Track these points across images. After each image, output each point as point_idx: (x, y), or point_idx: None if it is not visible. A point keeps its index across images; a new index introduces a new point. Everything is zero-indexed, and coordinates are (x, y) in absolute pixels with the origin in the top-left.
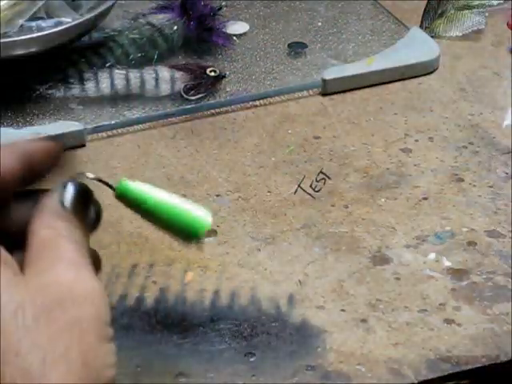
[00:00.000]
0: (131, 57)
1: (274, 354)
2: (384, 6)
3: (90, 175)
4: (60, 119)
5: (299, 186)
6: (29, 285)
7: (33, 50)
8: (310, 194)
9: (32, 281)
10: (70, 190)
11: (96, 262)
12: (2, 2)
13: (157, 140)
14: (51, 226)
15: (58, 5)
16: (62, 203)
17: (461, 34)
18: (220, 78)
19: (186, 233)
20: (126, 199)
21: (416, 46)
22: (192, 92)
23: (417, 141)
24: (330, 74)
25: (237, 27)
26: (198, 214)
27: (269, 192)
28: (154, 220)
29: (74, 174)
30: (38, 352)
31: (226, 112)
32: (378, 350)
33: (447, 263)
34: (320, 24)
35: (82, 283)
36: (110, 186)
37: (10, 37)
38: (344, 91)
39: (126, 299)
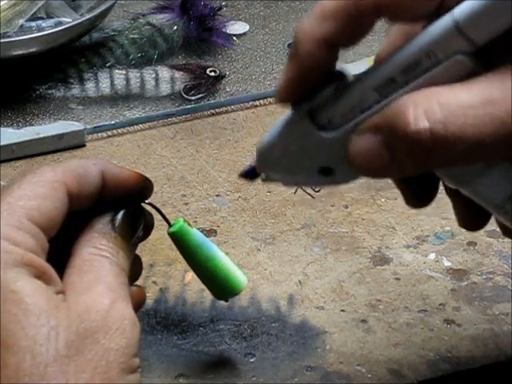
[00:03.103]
0: (131, 57)
1: (273, 355)
2: None
3: (146, 201)
4: (60, 119)
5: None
6: (69, 309)
7: (33, 50)
8: (309, 194)
9: (72, 306)
10: (123, 212)
11: (137, 270)
12: (2, 2)
13: (157, 140)
14: (95, 246)
15: (58, 5)
16: (113, 224)
17: None
18: (220, 77)
19: (222, 291)
20: (178, 239)
21: None
22: (192, 92)
23: None
24: None
25: (237, 27)
26: (237, 276)
27: (269, 192)
28: (195, 267)
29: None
30: (62, 379)
31: (226, 112)
32: (378, 351)
33: (447, 263)
34: None
35: (116, 313)
36: (167, 220)
37: (9, 37)
38: None
39: None
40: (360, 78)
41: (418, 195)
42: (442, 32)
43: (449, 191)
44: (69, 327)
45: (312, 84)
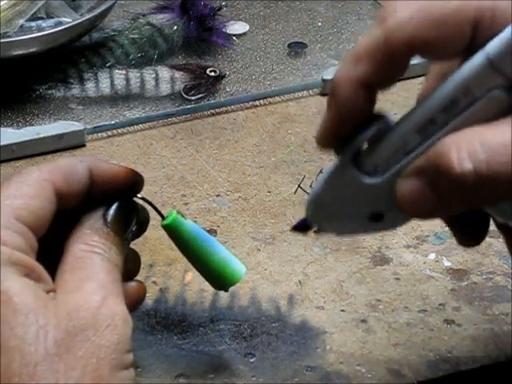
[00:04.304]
0: (131, 57)
1: (273, 355)
2: None
3: (139, 196)
4: (60, 119)
5: (299, 186)
6: (58, 308)
7: (33, 50)
8: None
9: (61, 304)
10: (115, 207)
11: (136, 266)
12: (2, 2)
13: (157, 140)
14: (87, 242)
15: (58, 5)
16: (105, 219)
17: None
18: (220, 77)
19: (220, 281)
20: (172, 231)
21: None
22: (192, 92)
23: None
24: (330, 73)
25: (237, 27)
26: (235, 265)
27: (269, 192)
28: (192, 259)
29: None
30: (52, 378)
31: (226, 112)
32: (378, 351)
33: (447, 263)
34: (320, 24)
35: (106, 310)
36: (160, 214)
37: (9, 37)
38: None
39: None
40: (401, 121)
41: (470, 234)
42: (476, 69)
43: (499, 226)
44: (58, 326)
45: (352, 127)
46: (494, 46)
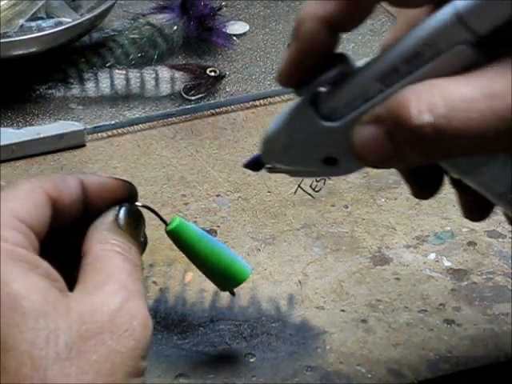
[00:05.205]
0: (131, 57)
1: (273, 355)
2: (384, 6)
3: (139, 204)
4: (60, 119)
5: (299, 186)
6: (70, 309)
7: (33, 50)
8: (309, 194)
9: (74, 305)
10: (124, 211)
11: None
12: (2, 2)
13: (157, 140)
14: (108, 241)
15: (58, 5)
16: (117, 222)
17: None
18: (220, 77)
19: (226, 282)
20: (176, 236)
21: None
22: (192, 92)
23: None
24: None
25: (237, 27)
26: (240, 266)
27: (269, 192)
28: (197, 262)
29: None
30: (64, 382)
31: (226, 112)
32: (378, 351)
33: (447, 263)
34: None
35: (126, 313)
36: (163, 220)
37: (9, 37)
38: None
39: None
40: (363, 67)
41: (424, 186)
42: (443, 22)
43: (453, 182)
44: (69, 329)
45: (314, 65)
46: (464, 0)
